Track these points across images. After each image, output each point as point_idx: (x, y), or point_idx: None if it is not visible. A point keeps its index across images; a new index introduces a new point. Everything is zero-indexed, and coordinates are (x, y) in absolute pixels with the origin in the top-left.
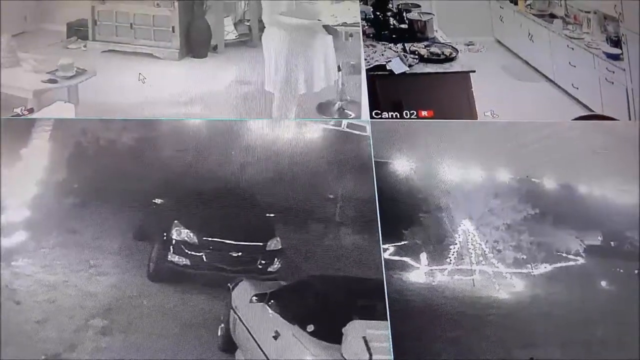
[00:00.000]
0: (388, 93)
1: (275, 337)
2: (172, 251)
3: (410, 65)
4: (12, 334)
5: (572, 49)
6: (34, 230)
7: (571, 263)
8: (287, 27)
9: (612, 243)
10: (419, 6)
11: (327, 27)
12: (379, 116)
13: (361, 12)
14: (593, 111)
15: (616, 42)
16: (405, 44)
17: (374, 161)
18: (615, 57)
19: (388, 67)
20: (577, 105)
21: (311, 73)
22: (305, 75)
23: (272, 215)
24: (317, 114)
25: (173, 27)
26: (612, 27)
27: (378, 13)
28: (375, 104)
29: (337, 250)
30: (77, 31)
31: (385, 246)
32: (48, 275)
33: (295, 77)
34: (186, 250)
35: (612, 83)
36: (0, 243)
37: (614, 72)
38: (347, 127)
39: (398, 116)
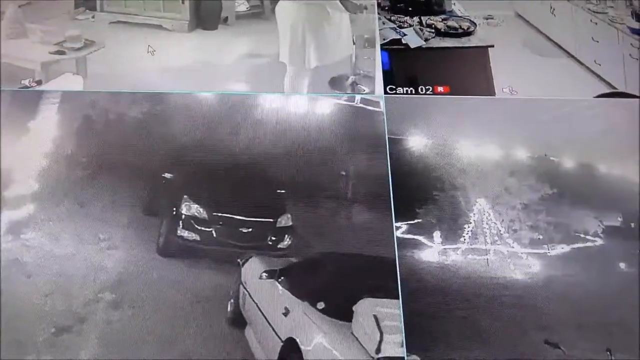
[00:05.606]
0: (403, 68)
1: (285, 314)
2: (181, 226)
3: (426, 39)
4: (22, 307)
5: (596, 23)
6: (42, 203)
7: (589, 244)
8: None
9: (632, 224)
10: None
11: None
12: (394, 91)
13: None
14: (616, 88)
15: None
16: (422, 17)
17: (388, 137)
18: None
19: (404, 41)
20: (599, 82)
21: (325, 46)
22: (319, 49)
23: (282, 191)
24: (330, 89)
25: None
26: (638, 2)
27: None
28: (390, 79)
29: (349, 228)
30: (86, 1)
31: (398, 224)
32: (57, 248)
33: (309, 50)
34: (196, 226)
35: (637, 59)
36: (3, 216)
37: (638, 48)
38: (360, 102)
39: (413, 92)
